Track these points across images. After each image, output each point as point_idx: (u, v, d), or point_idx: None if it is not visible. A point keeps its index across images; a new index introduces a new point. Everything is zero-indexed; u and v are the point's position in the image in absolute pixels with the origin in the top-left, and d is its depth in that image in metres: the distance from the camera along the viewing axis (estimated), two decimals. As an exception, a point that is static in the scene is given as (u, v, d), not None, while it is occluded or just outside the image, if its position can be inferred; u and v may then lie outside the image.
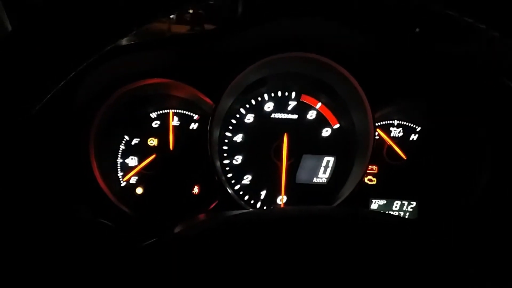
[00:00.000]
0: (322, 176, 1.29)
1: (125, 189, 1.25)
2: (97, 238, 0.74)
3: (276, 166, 1.27)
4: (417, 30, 1.11)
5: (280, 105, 1.26)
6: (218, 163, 1.22)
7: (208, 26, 1.35)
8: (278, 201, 1.29)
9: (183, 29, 1.40)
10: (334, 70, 1.14)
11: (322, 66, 1.15)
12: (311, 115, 1.27)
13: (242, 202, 1.24)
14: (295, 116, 1.27)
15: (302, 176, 1.29)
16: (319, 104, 1.27)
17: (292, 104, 1.27)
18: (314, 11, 1.00)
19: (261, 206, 1.29)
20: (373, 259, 0.47)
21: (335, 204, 1.19)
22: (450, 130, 1.26)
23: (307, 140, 1.27)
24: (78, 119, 1.08)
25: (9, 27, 0.96)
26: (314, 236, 0.48)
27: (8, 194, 0.60)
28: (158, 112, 1.25)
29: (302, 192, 1.28)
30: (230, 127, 1.26)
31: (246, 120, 1.26)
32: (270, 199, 1.29)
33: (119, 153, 1.24)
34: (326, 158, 1.28)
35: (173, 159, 1.25)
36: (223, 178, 1.22)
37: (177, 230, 0.71)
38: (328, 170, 1.29)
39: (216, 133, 1.23)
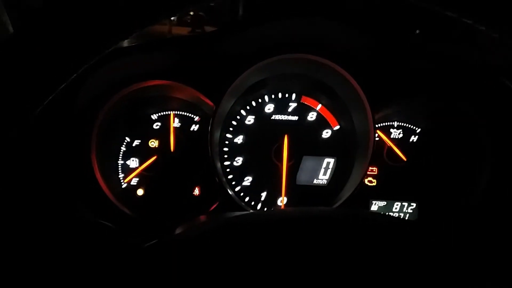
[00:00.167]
0: (323, 178, 1.29)
1: (126, 191, 1.25)
2: (98, 239, 0.75)
3: (277, 167, 1.27)
4: (417, 31, 1.11)
5: (281, 107, 1.26)
6: (218, 165, 1.22)
7: (208, 28, 1.35)
8: (279, 202, 1.29)
9: (184, 31, 1.40)
10: (334, 72, 1.14)
11: (323, 67, 1.15)
12: (312, 116, 1.27)
13: (243, 204, 1.24)
14: (295, 118, 1.27)
15: (302, 177, 1.29)
16: (320, 106, 1.27)
17: (292, 105, 1.27)
18: (314, 11, 1.00)
19: (262, 207, 1.30)
20: (373, 260, 0.47)
21: (335, 206, 1.19)
22: (450, 131, 1.26)
23: (307, 142, 1.27)
24: (79, 120, 1.08)
25: (11, 29, 0.96)
26: (315, 238, 0.49)
27: (9, 194, 0.60)
28: (159, 114, 1.26)
29: (302, 193, 1.29)
30: (231, 129, 1.26)
31: (246, 122, 1.26)
32: (271, 200, 1.29)
33: (120, 155, 1.25)
34: (326, 160, 1.28)
35: (174, 161, 1.26)
36: (224, 179, 1.22)
37: (178, 231, 0.71)
38: (329, 171, 1.29)
39: (217, 135, 1.23)
